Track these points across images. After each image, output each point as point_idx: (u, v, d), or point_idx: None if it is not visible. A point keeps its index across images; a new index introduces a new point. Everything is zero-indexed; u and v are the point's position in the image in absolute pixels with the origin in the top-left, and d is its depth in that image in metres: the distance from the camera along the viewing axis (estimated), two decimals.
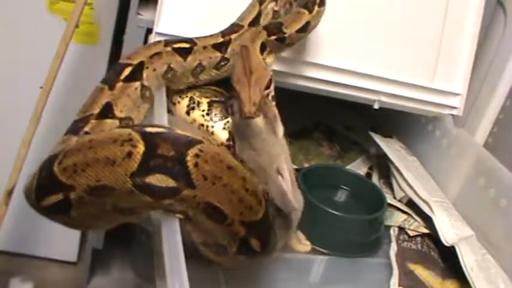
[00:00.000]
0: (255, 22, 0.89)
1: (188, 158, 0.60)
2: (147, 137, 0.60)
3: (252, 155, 0.83)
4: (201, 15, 0.94)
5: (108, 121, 0.73)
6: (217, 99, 0.91)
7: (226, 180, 0.62)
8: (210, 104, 0.90)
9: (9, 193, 1.04)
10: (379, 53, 1.05)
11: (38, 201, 0.63)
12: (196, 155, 0.61)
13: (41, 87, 1.01)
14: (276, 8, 0.91)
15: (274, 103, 0.86)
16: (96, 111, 0.73)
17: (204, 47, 0.86)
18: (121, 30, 1.05)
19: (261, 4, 0.90)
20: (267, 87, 0.82)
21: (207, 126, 0.89)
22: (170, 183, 0.60)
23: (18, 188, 1.03)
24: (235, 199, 0.63)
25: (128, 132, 0.61)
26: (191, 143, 0.62)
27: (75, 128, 0.71)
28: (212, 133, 0.89)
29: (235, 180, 0.63)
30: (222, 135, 0.89)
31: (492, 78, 1.23)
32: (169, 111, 0.86)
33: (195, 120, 0.90)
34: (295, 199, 0.81)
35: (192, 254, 0.63)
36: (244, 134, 0.84)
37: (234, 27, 0.89)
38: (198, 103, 0.90)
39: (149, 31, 0.98)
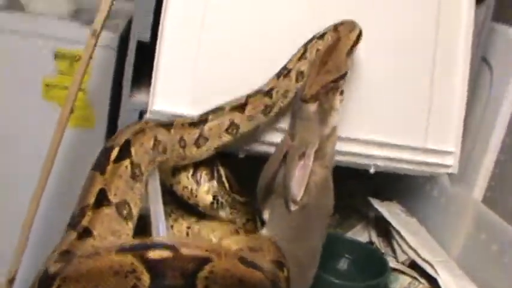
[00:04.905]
0: (237, 108, 0.90)
1: (198, 282, 0.58)
2: (151, 267, 0.57)
3: (287, 141, 0.90)
4: (195, 93, 0.96)
5: (105, 209, 0.72)
6: (203, 162, 0.92)
7: None
8: (195, 167, 0.92)
9: (11, 282, 1.04)
10: (371, 118, 1.06)
11: None
12: (206, 278, 0.58)
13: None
14: (269, 103, 0.92)
15: (341, 97, 0.92)
16: (91, 200, 0.72)
17: (182, 124, 0.87)
18: (116, 113, 1.07)
19: (249, 96, 0.91)
20: (335, 81, 0.87)
21: (191, 189, 0.91)
22: None
23: (20, 275, 1.02)
24: None
25: (130, 261, 0.57)
26: (200, 266, 0.59)
27: (73, 223, 0.70)
28: (196, 196, 0.91)
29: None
30: (206, 198, 0.91)
31: (484, 133, 1.24)
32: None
33: (179, 182, 0.91)
34: (316, 198, 0.86)
35: None
36: (295, 112, 0.90)
37: (214, 109, 0.90)
38: (185, 165, 0.91)
39: (142, 113, 1.00)
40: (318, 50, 0.93)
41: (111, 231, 0.72)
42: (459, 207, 1.09)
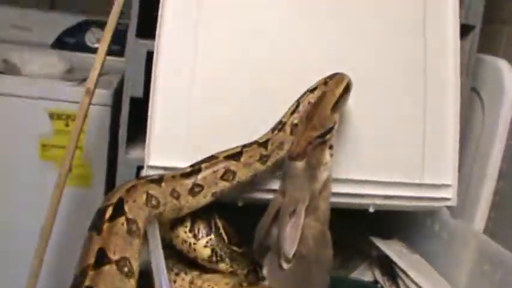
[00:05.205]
0: (232, 157, 0.91)
1: None
2: None
3: (278, 198, 0.90)
4: (190, 146, 0.97)
5: (106, 268, 0.72)
6: (200, 215, 0.92)
7: None
8: (193, 220, 0.92)
9: None
10: (366, 158, 1.06)
11: None
12: None
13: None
14: (264, 153, 0.93)
15: (331, 151, 0.92)
16: (92, 261, 0.72)
17: (173, 176, 0.87)
18: (114, 169, 1.08)
19: (244, 147, 0.92)
20: (321, 136, 0.88)
21: (190, 244, 0.91)
22: None
23: None
24: None
25: None
26: None
27: (76, 284, 0.70)
28: (194, 250, 0.91)
29: None
30: (204, 252, 0.91)
31: (480, 163, 1.25)
32: None
33: (178, 236, 0.91)
34: (314, 251, 0.87)
35: None
36: (285, 171, 0.91)
37: (207, 158, 0.91)
38: (182, 218, 0.91)
39: (139, 169, 1.01)
40: (309, 103, 0.94)
41: None
42: (461, 240, 1.09)
